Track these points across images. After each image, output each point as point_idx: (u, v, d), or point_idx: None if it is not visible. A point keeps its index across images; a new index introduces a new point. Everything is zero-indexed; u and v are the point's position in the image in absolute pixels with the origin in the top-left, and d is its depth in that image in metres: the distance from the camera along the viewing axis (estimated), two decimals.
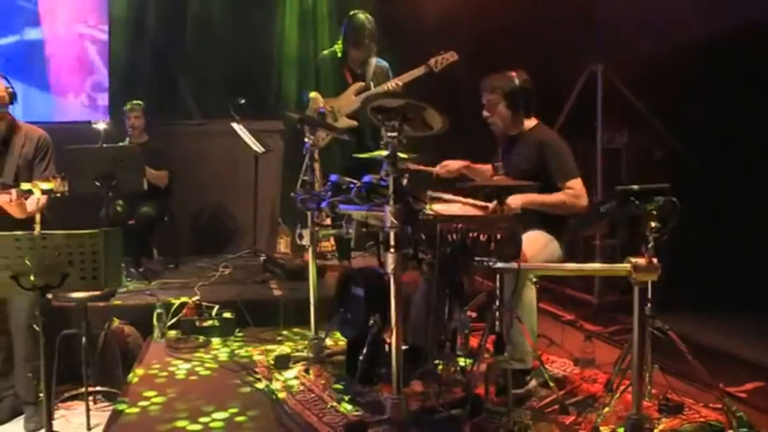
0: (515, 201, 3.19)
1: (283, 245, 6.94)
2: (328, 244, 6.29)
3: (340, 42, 5.47)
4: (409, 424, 2.84)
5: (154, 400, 3.45)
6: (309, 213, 3.82)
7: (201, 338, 4.44)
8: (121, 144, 5.75)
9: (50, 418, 3.26)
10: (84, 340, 4.01)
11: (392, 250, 2.75)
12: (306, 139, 3.95)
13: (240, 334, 4.59)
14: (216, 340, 4.46)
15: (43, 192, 3.63)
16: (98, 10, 7.36)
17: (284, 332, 4.57)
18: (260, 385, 3.57)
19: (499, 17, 6.23)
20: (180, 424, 3.09)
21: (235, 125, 6.29)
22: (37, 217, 3.57)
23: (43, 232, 3.29)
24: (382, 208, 2.80)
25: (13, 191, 3.66)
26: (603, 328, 4.68)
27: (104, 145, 5.51)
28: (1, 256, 3.03)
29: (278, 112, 7.04)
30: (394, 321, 2.80)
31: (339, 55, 5.44)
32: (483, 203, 3.06)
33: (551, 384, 3.20)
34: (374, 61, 5.40)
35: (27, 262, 2.98)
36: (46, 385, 3.22)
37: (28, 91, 7.12)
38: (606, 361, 3.80)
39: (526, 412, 3.10)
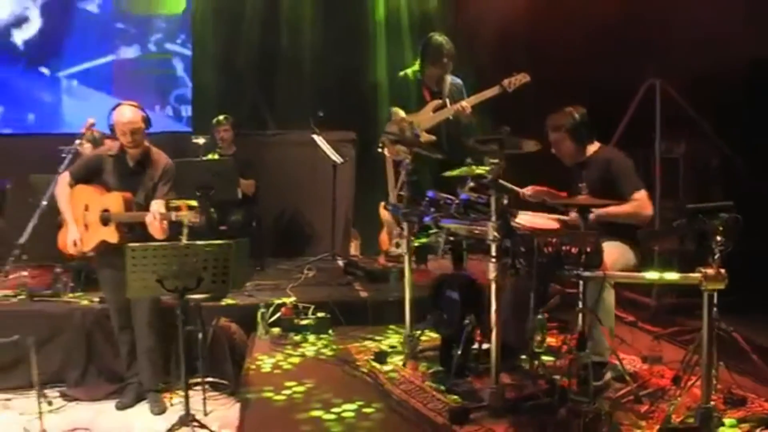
0: (590, 215, 3.61)
1: (353, 248, 7.44)
2: (400, 249, 6.71)
3: (418, 61, 5.94)
4: (506, 411, 3.28)
5: (284, 390, 3.90)
6: (406, 224, 4.25)
7: (299, 336, 4.92)
8: (217, 157, 6.23)
9: (187, 402, 3.79)
10: (200, 336, 4.54)
11: (493, 260, 3.20)
12: (404, 159, 4.34)
13: (331, 332, 5.06)
14: (311, 338, 4.93)
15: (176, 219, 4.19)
16: (186, 29, 7.96)
17: (373, 330, 5.02)
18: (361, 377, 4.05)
19: (563, 34, 6.61)
20: (314, 413, 3.52)
21: (315, 137, 6.79)
22: (185, 230, 4.06)
23: (186, 242, 3.82)
24: (483, 223, 3.25)
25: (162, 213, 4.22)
26: (662, 329, 5.03)
27: (203, 158, 6.05)
28: (150, 263, 3.56)
29: (347, 124, 7.56)
30: (494, 321, 3.24)
31: (417, 73, 5.90)
32: (561, 217, 3.48)
33: (627, 377, 3.61)
34: (450, 78, 5.83)
35: (173, 267, 3.49)
36: (186, 372, 3.76)
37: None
38: (670, 359, 4.19)
39: (605, 401, 3.50)
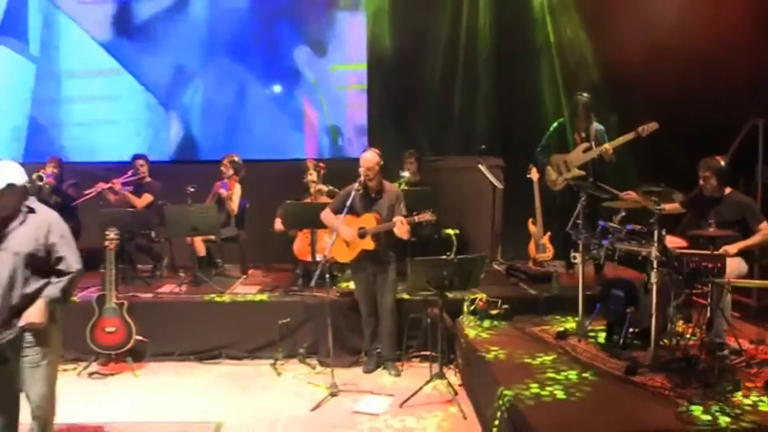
0: (733, 249, 5.33)
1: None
2: (545, 256, 8.42)
3: (566, 115, 7.76)
4: (660, 368, 5.04)
5: (499, 354, 5.72)
6: (581, 244, 6.01)
7: (493, 321, 6.74)
8: (419, 188, 8.02)
9: (441, 364, 5.70)
10: (429, 320, 6.44)
11: (655, 270, 4.98)
12: (582, 199, 6.08)
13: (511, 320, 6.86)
14: (503, 323, 6.70)
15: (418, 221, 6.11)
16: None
17: (544, 319, 6.80)
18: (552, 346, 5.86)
19: (677, 80, 8.16)
20: (549, 374, 5.16)
21: (480, 166, 8.64)
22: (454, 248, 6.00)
23: (458, 256, 5.74)
24: (648, 246, 5.03)
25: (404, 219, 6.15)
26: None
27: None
28: (424, 270, 5.48)
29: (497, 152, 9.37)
30: (655, 311, 5.02)
31: (568, 123, 7.73)
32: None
33: (742, 350, 5.32)
34: (594, 125, 7.58)
35: (444, 273, 5.41)
36: (433, 347, 5.66)
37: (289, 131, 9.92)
38: None
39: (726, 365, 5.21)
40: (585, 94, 7.63)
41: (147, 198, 8.39)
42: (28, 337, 4.22)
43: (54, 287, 4.26)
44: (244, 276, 8.30)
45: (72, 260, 4.32)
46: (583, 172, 7.43)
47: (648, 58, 8.33)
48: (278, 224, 7.86)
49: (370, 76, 10.01)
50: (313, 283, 6.06)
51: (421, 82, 9.81)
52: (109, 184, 8.25)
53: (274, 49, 10.11)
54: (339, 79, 10.13)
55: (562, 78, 9.31)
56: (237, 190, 8.29)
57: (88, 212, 8.22)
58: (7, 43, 10.19)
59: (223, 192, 8.18)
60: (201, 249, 8.05)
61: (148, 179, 8.52)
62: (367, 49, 9.98)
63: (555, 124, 7.96)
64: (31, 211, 4.29)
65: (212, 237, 8.01)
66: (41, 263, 4.25)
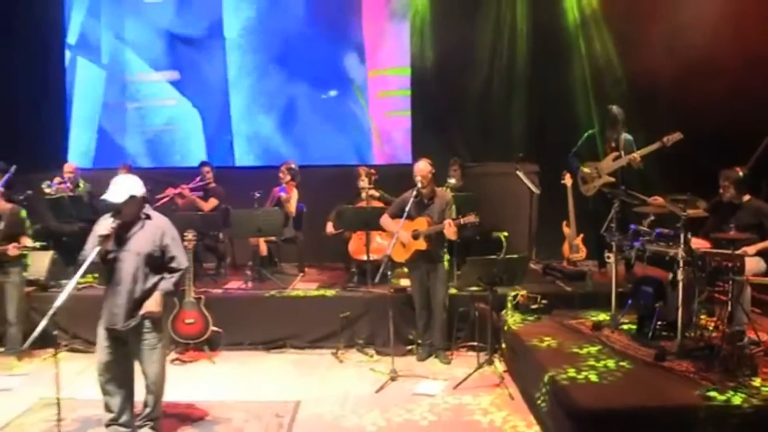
0: (751, 250, 5.99)
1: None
2: (578, 256, 9.08)
3: (596, 125, 8.43)
4: (686, 355, 5.72)
5: (543, 344, 6.42)
6: (615, 246, 6.70)
7: (533, 316, 7.45)
8: (464, 193, 8.72)
9: (492, 352, 6.42)
10: (476, 314, 7.17)
11: (681, 269, 5.66)
12: (615, 204, 6.76)
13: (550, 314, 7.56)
14: (544, 318, 7.40)
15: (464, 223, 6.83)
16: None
17: (580, 313, 7.48)
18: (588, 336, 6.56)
19: (702, 90, 8.76)
20: (590, 362, 5.82)
21: (518, 173, 9.34)
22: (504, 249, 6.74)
23: (507, 256, 6.46)
24: (675, 247, 5.72)
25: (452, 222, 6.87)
26: None
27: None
28: (476, 269, 6.21)
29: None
30: (681, 306, 5.70)
31: (598, 132, 8.41)
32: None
33: (760, 341, 5.99)
34: (624, 136, 8.25)
35: (494, 271, 6.14)
36: (480, 337, 6.38)
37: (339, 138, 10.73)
38: None
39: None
40: (616, 107, 8.29)
41: (213, 202, 9.19)
42: (147, 323, 5.03)
43: (167, 282, 5.06)
44: (302, 274, 9.07)
45: (181, 259, 5.12)
46: (613, 179, 8.09)
47: (674, 72, 8.91)
48: (329, 227, 8.63)
49: (413, 84, 10.81)
50: (377, 279, 6.73)
51: (462, 91, 10.64)
52: (179, 190, 9.05)
53: (325, 58, 10.94)
54: (383, 86, 11.00)
55: (592, 89, 10.01)
56: (294, 194, 9.05)
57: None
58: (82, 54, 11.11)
59: (283, 195, 8.94)
60: (264, 249, 8.83)
61: (213, 184, 9.31)
62: (411, 57, 10.76)
63: (586, 134, 8.63)
64: (148, 217, 5.08)
65: (273, 238, 8.76)
66: (157, 262, 5.04)
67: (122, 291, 4.98)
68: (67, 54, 11.27)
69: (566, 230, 8.85)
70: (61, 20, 11.24)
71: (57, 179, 9.30)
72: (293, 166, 9.25)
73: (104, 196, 4.96)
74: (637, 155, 7.95)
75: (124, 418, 5.23)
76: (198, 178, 9.24)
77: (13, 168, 8.66)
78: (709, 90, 8.59)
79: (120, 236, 4.97)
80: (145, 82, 11.16)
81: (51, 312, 4.60)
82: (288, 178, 9.12)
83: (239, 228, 8.41)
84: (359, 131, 10.99)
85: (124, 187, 4.96)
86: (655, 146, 7.84)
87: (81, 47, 11.24)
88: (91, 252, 4.84)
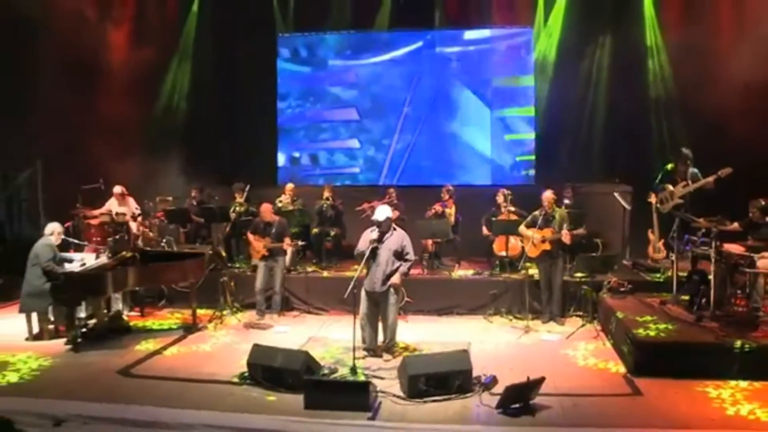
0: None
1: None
2: (659, 255, 12.47)
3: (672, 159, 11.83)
4: (717, 318, 9.16)
5: (626, 314, 9.98)
6: (675, 249, 10.19)
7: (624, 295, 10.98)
8: (575, 210, 12.34)
9: (593, 316, 10.09)
10: (582, 293, 10.80)
11: (714, 263, 9.13)
12: (676, 221, 10.24)
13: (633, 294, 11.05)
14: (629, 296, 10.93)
15: (576, 234, 10.49)
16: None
17: (655, 294, 10.95)
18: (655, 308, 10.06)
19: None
20: (657, 325, 9.56)
21: (615, 194, 12.85)
22: (600, 249, 10.42)
23: (602, 254, 10.12)
24: (710, 250, 9.21)
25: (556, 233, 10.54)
26: None
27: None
28: (584, 263, 9.89)
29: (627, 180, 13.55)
30: (714, 289, 9.16)
31: (673, 165, 11.83)
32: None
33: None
34: (691, 170, 11.60)
35: (596, 264, 9.80)
36: (584, 309, 10.04)
37: (488, 165, 14.48)
38: None
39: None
40: (686, 149, 11.64)
41: (395, 213, 13.05)
42: (392, 290, 8.93)
43: (404, 266, 8.97)
44: (458, 264, 12.88)
45: (411, 254, 9.00)
46: (681, 201, 11.43)
47: (732, 118, 12.25)
48: (485, 230, 12.42)
49: (537, 118, 14.52)
50: (519, 267, 10.46)
51: (576, 122, 14.21)
52: (371, 204, 12.97)
53: (468, 103, 14.76)
54: (511, 127, 14.70)
55: (668, 130, 13.45)
56: (452, 208, 12.85)
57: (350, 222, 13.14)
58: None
59: (444, 209, 12.75)
60: (430, 247, 12.66)
61: (396, 201, 13.22)
62: (535, 96, 14.50)
63: (665, 168, 12.03)
64: (395, 229, 8.98)
65: (439, 240, 12.60)
66: (398, 255, 8.94)
67: (379, 270, 8.88)
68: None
69: (651, 236, 12.29)
70: None
71: (284, 196, 13.41)
72: (450, 188, 13.06)
73: (373, 218, 8.92)
74: (709, 180, 11.15)
75: (372, 345, 9.15)
76: (387, 197, 13.16)
77: (247, 187, 12.97)
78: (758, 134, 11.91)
79: (380, 239, 8.87)
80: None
81: (354, 279, 8.51)
82: (447, 196, 12.93)
83: (419, 232, 12.28)
84: (492, 161, 14.76)
85: (383, 212, 8.88)
86: (712, 178, 11.11)
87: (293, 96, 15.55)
88: (366, 249, 8.76)
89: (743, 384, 7.92)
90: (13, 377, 8.36)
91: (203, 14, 15.84)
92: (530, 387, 7.19)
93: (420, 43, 15.57)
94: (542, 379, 7.35)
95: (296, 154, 16.34)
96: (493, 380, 7.80)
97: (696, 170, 11.30)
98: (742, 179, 10.96)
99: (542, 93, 14.87)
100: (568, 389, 7.81)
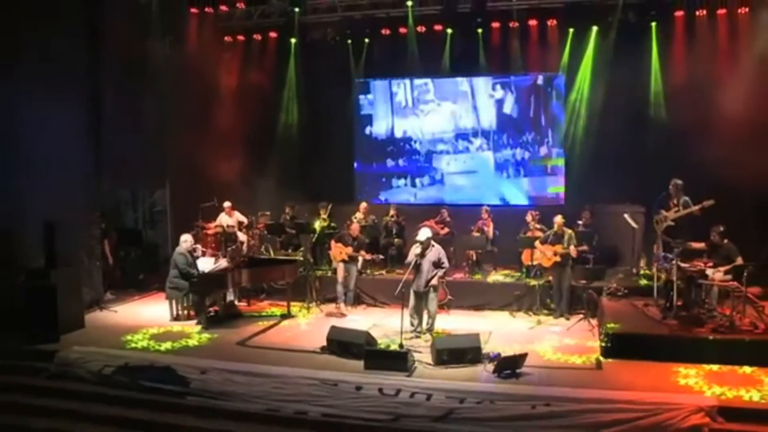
0: (722, 269, 12.26)
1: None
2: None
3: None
4: (677, 317, 12.11)
5: (616, 312, 13.02)
6: (655, 264, 13.19)
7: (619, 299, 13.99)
8: (585, 230, 15.38)
9: (594, 314, 13.22)
10: (585, 295, 13.89)
11: (676, 275, 12.11)
12: (658, 240, 13.24)
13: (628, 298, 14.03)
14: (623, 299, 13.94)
15: (581, 250, 13.63)
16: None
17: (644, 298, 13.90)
18: None
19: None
20: (630, 321, 12.59)
21: (625, 215, 15.79)
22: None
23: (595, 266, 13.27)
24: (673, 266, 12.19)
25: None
26: None
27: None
28: (587, 271, 13.04)
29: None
30: (676, 294, 12.13)
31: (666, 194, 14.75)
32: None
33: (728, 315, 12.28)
34: (683, 198, 14.43)
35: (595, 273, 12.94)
36: (587, 308, 13.16)
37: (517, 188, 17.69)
38: None
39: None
40: (678, 179, 14.36)
41: (445, 230, 16.39)
42: (432, 289, 12.30)
43: (440, 272, 12.37)
44: (494, 270, 16.11)
45: (446, 263, 12.35)
46: (673, 224, 14.29)
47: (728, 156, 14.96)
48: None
49: (566, 151, 17.61)
50: (531, 274, 13.66)
51: (599, 150, 17.19)
52: (429, 223, 16.28)
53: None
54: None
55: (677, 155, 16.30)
56: (491, 225, 16.08)
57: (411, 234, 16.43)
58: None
59: (483, 227, 15.99)
60: (473, 256, 15.91)
61: (448, 219, 16.50)
62: (565, 131, 17.62)
63: (662, 194, 14.91)
64: (432, 245, 12.34)
65: (480, 251, 15.84)
66: (436, 264, 12.31)
67: (422, 276, 12.23)
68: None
69: (655, 251, 15.20)
70: None
71: (359, 213, 16.87)
72: (488, 208, 16.33)
73: (416, 238, 12.29)
74: (693, 208, 13.96)
75: (418, 329, 12.52)
76: (438, 216, 16.51)
77: (330, 205, 16.54)
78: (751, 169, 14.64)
79: (422, 254, 12.22)
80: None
81: (402, 281, 11.87)
82: (486, 216, 16.17)
83: (462, 245, 15.55)
84: (522, 186, 18.03)
85: (424, 233, 12.25)
86: (697, 207, 13.96)
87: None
88: (412, 261, 12.14)
89: (691, 368, 10.58)
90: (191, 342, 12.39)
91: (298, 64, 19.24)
92: (516, 359, 10.43)
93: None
94: (525, 355, 10.59)
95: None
96: (498, 356, 10.99)
97: (687, 198, 14.11)
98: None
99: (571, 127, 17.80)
100: (548, 363, 11.05)
